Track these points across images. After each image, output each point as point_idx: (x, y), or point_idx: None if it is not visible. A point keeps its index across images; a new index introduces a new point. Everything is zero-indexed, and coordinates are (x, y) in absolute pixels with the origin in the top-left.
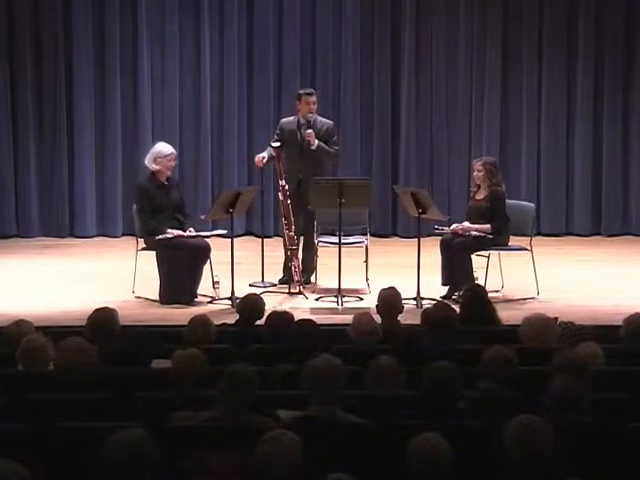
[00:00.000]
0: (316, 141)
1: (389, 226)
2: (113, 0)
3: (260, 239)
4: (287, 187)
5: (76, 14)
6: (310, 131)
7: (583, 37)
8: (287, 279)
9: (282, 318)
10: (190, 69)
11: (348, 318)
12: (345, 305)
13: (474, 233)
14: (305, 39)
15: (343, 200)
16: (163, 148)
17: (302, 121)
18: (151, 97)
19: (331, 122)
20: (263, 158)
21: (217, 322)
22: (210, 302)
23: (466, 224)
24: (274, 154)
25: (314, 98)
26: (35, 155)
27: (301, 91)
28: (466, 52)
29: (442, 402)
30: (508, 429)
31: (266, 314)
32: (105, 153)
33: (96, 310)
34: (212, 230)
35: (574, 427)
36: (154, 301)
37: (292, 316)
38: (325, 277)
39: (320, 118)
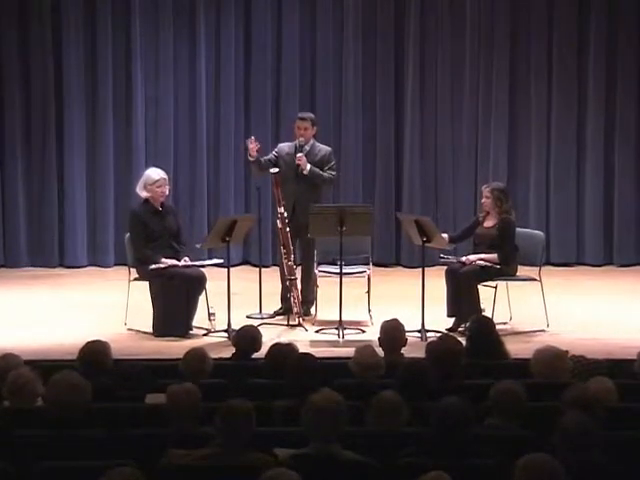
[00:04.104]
0: (308, 165)
1: (392, 255)
2: (105, 21)
3: (258, 268)
4: (286, 214)
5: (66, 33)
6: (300, 155)
7: (593, 59)
8: (284, 310)
9: (282, 351)
10: (185, 94)
11: (350, 351)
12: (346, 338)
13: (481, 263)
14: (304, 62)
15: (344, 228)
16: (152, 174)
17: (298, 146)
18: (144, 122)
19: (329, 148)
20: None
21: (213, 355)
22: (205, 334)
23: (472, 257)
24: (273, 180)
25: (304, 123)
26: (23, 182)
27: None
28: (472, 75)
29: (452, 440)
30: (517, 468)
31: (264, 347)
32: (96, 180)
33: (87, 343)
34: (208, 259)
35: (585, 466)
36: (147, 333)
37: (295, 349)
38: (325, 308)
39: (318, 144)
